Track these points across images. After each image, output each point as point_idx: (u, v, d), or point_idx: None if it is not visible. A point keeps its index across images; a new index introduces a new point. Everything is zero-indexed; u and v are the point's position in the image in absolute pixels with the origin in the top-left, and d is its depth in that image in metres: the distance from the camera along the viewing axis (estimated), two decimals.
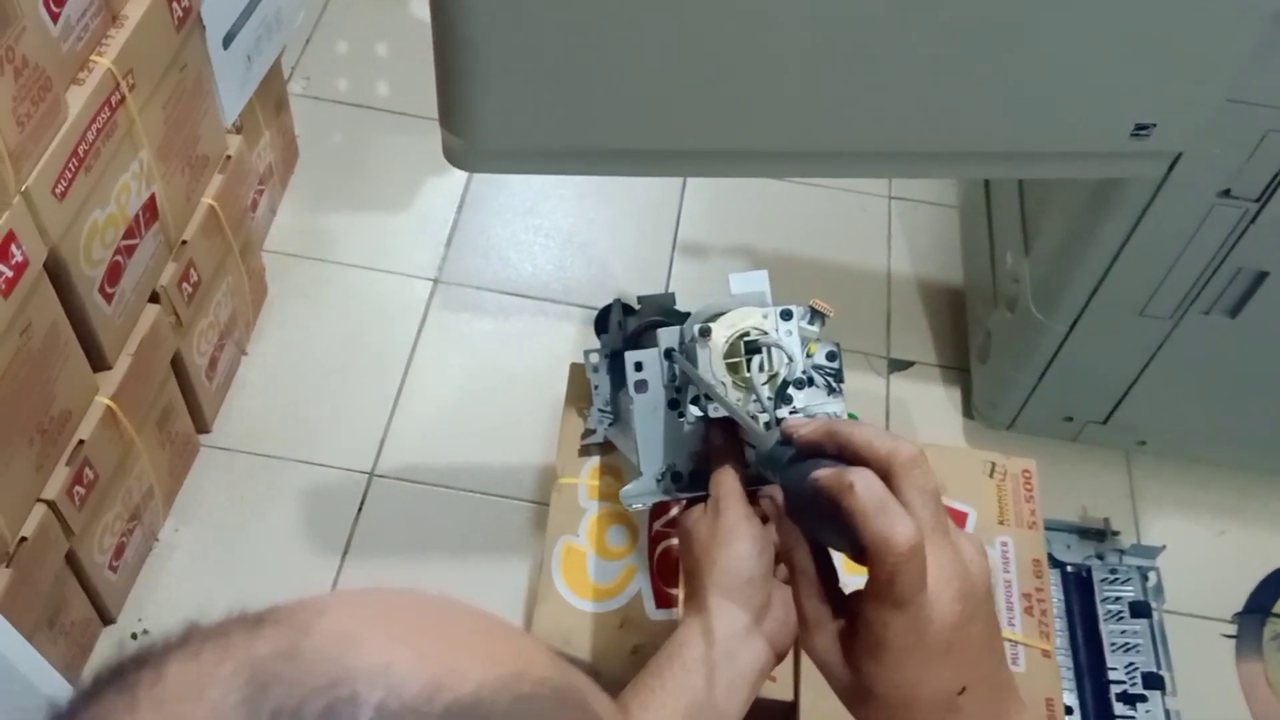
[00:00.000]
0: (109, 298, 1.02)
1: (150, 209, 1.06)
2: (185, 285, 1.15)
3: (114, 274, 1.01)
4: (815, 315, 0.61)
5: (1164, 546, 1.24)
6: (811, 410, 0.59)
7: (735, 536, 0.59)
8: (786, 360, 0.59)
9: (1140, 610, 1.20)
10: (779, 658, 0.60)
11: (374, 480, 1.30)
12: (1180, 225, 1.05)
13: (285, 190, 1.53)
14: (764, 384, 0.59)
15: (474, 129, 0.88)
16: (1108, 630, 1.19)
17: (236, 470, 1.29)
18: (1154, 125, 0.89)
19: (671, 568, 0.97)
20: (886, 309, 1.53)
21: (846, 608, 0.50)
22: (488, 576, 1.24)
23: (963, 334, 1.48)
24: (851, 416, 0.61)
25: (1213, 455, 1.38)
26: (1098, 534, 1.27)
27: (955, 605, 0.45)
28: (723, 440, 0.62)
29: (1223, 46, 0.84)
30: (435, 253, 1.52)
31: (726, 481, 0.60)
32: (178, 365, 1.19)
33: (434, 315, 1.45)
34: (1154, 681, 1.15)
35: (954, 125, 0.91)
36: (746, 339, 0.60)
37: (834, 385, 0.60)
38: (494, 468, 1.32)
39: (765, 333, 0.60)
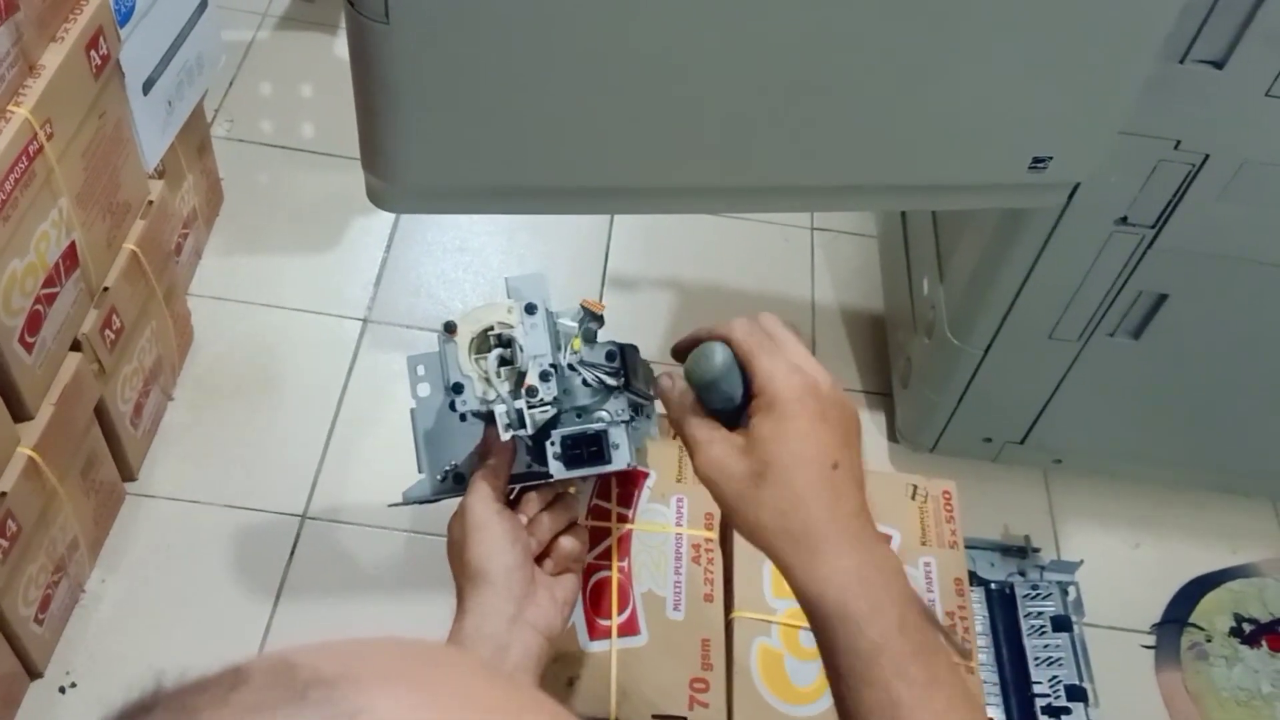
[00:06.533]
0: (29, 347, 1.00)
1: (70, 257, 1.05)
2: (108, 332, 1.14)
3: (34, 323, 1.00)
4: (589, 314, 0.63)
5: (1082, 561, 1.28)
6: (584, 406, 0.62)
7: (483, 530, 0.62)
8: (535, 354, 0.60)
9: (1061, 624, 1.23)
10: (550, 641, 0.63)
11: (306, 523, 1.29)
12: (1082, 251, 1.10)
13: (210, 233, 1.53)
14: (508, 378, 0.61)
15: (396, 170, 0.89)
16: (1031, 645, 1.22)
17: (164, 518, 1.28)
18: (1050, 158, 0.94)
19: (605, 599, 0.98)
20: (811, 337, 1.56)
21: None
22: (424, 615, 1.24)
23: (885, 360, 1.52)
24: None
25: (1126, 470, 1.43)
26: (1019, 551, 1.30)
27: (810, 398, 0.54)
28: (490, 439, 0.64)
29: (1114, 82, 0.89)
30: (364, 292, 1.52)
31: (476, 484, 0.64)
32: (101, 413, 1.17)
33: (364, 355, 1.45)
34: (1077, 694, 1.19)
35: (864, 161, 0.94)
36: (493, 333, 0.62)
37: (610, 383, 0.62)
38: (428, 506, 1.32)
39: (510, 326, 0.61)
